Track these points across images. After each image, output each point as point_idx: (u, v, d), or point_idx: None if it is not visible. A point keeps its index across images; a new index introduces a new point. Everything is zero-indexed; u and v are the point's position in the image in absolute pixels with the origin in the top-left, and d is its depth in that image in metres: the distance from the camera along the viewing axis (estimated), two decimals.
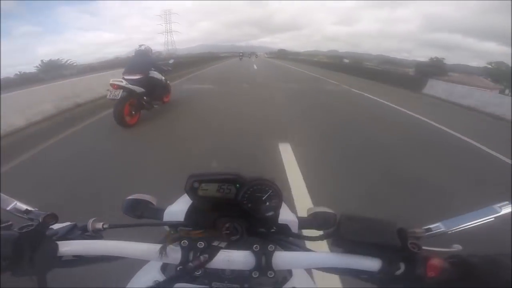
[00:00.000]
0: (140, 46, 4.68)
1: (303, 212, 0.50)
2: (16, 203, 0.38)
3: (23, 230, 0.32)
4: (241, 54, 43.30)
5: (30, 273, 0.32)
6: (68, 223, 0.39)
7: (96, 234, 0.38)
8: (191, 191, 0.39)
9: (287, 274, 0.47)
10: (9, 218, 0.35)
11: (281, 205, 0.40)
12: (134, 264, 0.45)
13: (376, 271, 0.33)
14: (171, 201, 0.47)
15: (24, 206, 0.37)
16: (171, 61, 5.76)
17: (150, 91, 4.42)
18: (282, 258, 0.35)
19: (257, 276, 0.34)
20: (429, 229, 0.37)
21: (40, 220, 0.33)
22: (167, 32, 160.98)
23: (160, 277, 0.41)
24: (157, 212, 0.46)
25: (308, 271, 0.50)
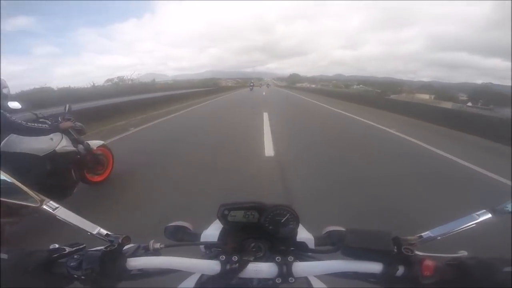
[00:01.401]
0: None
1: (319, 232, 0.57)
2: (99, 229, 0.48)
3: (108, 249, 0.42)
4: (251, 84, 41.62)
5: (106, 285, 0.41)
6: (133, 245, 0.49)
7: (156, 253, 0.48)
8: (222, 218, 0.49)
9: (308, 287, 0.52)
10: (91, 240, 0.46)
11: (297, 227, 0.49)
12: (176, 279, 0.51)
13: (379, 273, 0.40)
14: (205, 227, 0.56)
15: (104, 231, 0.48)
16: (66, 108, 2.78)
17: None
18: (300, 267, 0.42)
19: (280, 282, 0.42)
20: (420, 237, 0.44)
21: (120, 241, 0.44)
22: None
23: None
24: (195, 236, 0.56)
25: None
